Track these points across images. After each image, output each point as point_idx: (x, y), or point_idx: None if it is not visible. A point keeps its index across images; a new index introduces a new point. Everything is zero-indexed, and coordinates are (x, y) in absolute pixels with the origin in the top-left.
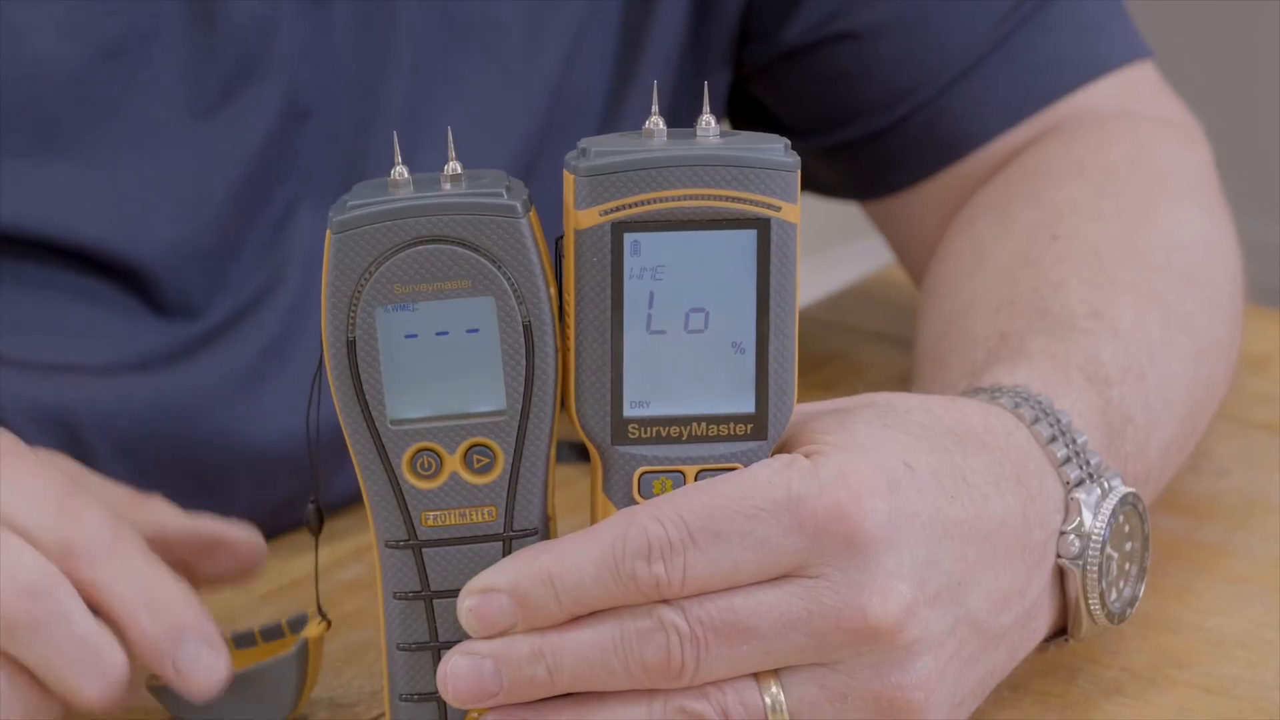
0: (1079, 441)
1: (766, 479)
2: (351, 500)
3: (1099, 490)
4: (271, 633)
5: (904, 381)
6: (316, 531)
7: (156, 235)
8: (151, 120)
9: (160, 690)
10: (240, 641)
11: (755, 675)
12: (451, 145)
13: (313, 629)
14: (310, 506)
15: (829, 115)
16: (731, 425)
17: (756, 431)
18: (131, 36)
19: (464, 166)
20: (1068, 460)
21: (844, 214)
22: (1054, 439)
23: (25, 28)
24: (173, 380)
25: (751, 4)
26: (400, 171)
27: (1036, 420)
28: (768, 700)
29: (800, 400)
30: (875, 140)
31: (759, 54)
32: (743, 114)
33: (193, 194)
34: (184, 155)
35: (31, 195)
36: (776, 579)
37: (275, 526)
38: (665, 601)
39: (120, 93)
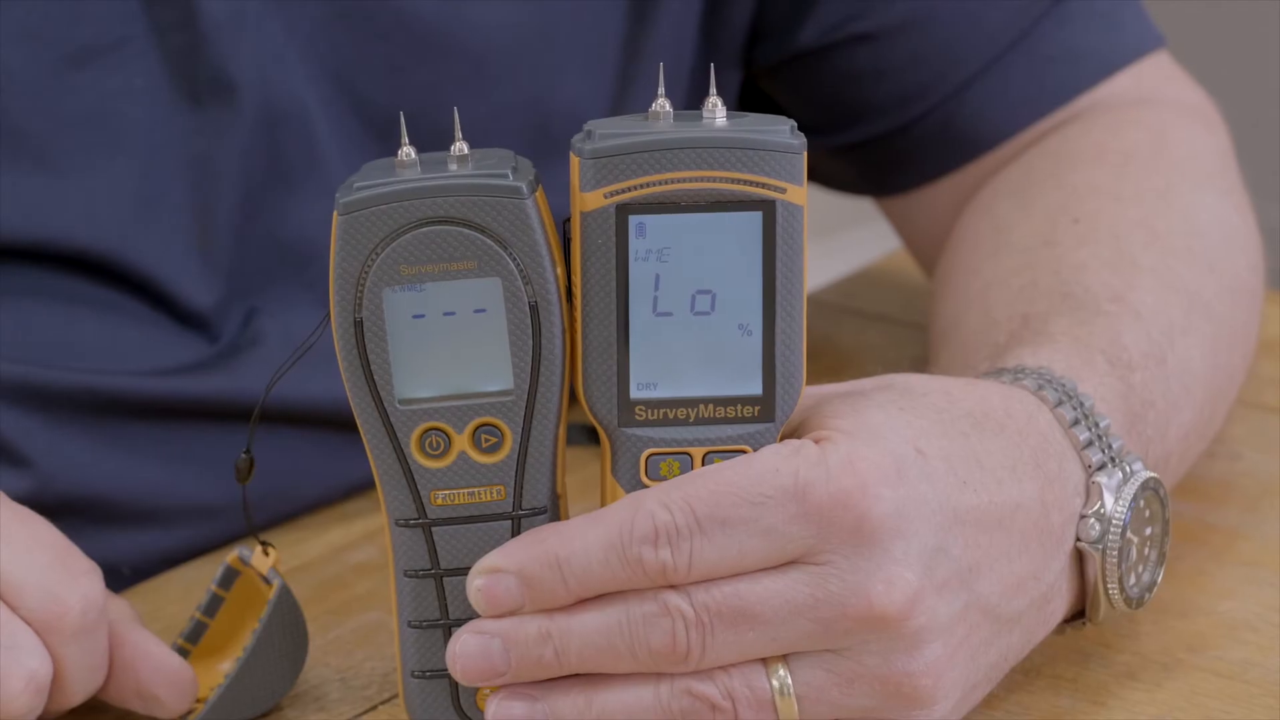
0: (1101, 425)
1: (774, 466)
2: (364, 483)
3: (1121, 474)
4: (227, 578)
5: (913, 365)
6: (244, 480)
7: (156, 240)
8: (133, 127)
9: None
10: (208, 609)
11: (762, 659)
12: (458, 125)
13: (266, 561)
14: (242, 456)
15: (842, 114)
16: (738, 407)
17: (764, 413)
18: (100, 45)
19: (470, 146)
20: (1090, 444)
21: (852, 198)
22: (1077, 422)
23: None
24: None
25: (763, 6)
26: (407, 152)
27: (1060, 403)
28: (775, 683)
29: (808, 383)
30: (889, 139)
31: (771, 54)
32: (754, 109)
33: (187, 197)
34: (174, 159)
35: (12, 206)
36: (783, 565)
37: (288, 509)
38: (672, 586)
39: (96, 101)
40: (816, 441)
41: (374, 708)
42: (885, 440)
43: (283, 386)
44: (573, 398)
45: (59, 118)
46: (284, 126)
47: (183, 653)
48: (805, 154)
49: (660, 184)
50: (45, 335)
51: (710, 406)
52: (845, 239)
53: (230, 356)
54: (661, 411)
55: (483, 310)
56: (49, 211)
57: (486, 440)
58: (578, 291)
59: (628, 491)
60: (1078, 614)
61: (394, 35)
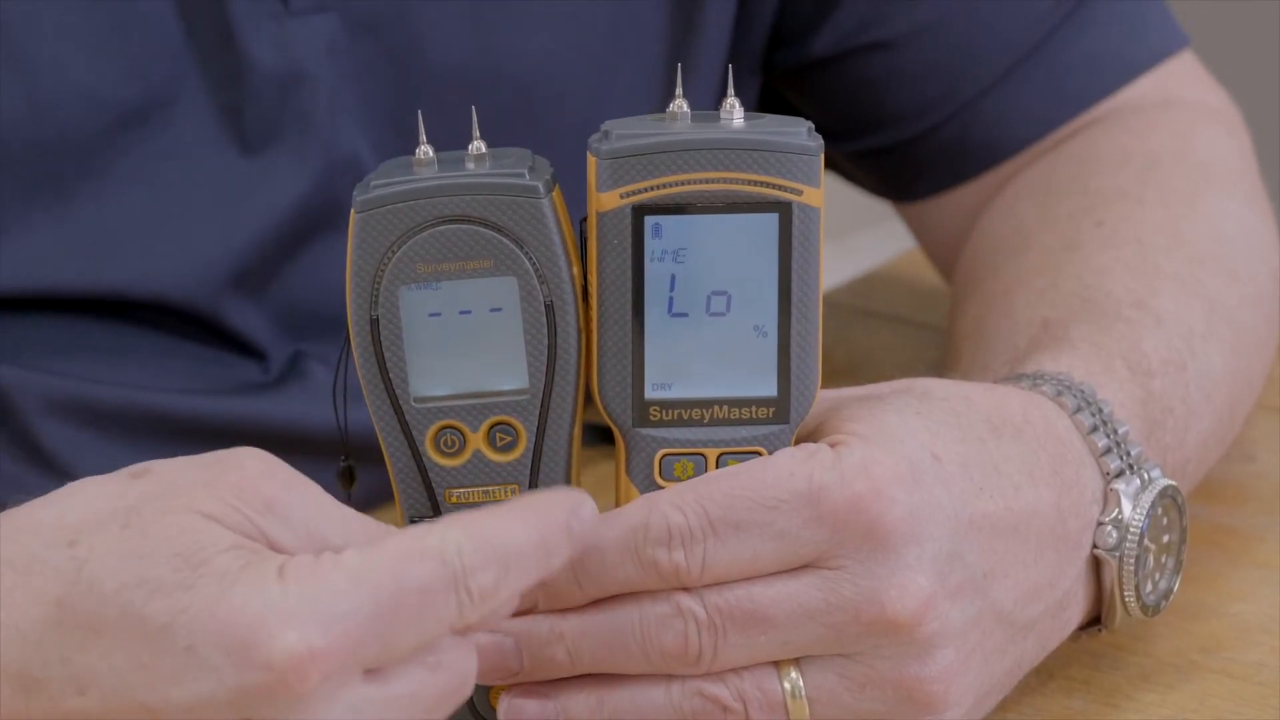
0: (1120, 432)
1: (789, 469)
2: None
3: (1139, 481)
4: None
5: (927, 366)
6: (348, 487)
7: (209, 286)
8: (184, 179)
9: None
10: None
11: (774, 662)
12: (475, 125)
13: None
14: (341, 464)
15: (859, 121)
16: (753, 408)
17: (778, 415)
18: (152, 102)
19: (488, 145)
20: (1108, 451)
21: (866, 199)
22: (1095, 429)
23: (50, 99)
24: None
25: (783, 12)
26: (424, 150)
27: (1078, 409)
28: (786, 686)
29: (822, 385)
30: (905, 147)
31: (788, 60)
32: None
33: (239, 243)
34: (226, 208)
35: (65, 258)
36: (796, 569)
37: None
38: (685, 589)
39: (149, 156)
40: (832, 445)
41: None
42: (901, 445)
43: (328, 414)
44: (587, 397)
45: (111, 176)
46: (337, 173)
47: None
48: (822, 156)
49: (677, 185)
50: (95, 353)
51: (725, 408)
52: (859, 240)
53: (280, 384)
54: (676, 412)
55: (499, 309)
56: (102, 263)
57: (501, 439)
58: (593, 291)
59: (642, 492)
60: (1093, 621)
61: (442, 75)
